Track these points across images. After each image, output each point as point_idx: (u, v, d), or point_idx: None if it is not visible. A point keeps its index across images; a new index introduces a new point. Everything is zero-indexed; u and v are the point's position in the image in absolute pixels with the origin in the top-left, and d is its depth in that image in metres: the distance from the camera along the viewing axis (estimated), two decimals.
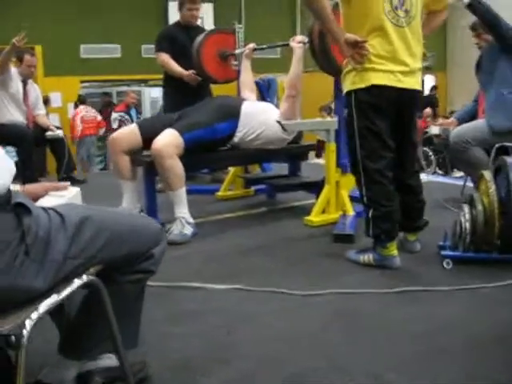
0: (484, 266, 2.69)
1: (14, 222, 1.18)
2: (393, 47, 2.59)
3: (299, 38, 3.70)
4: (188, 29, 4.74)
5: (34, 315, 1.08)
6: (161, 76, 5.14)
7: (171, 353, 1.88)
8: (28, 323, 1.06)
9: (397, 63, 2.61)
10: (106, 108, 9.58)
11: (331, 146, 3.58)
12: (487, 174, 2.72)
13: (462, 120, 4.50)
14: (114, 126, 7.61)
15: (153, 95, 13.71)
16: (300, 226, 3.60)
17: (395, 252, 2.75)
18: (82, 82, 10.24)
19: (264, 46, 4.44)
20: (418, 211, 2.98)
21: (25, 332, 1.05)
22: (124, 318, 1.47)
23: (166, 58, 4.71)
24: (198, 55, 4.42)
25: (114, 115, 7.65)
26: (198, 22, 5.00)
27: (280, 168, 4.61)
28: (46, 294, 1.16)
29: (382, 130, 2.68)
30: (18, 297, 1.16)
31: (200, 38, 4.43)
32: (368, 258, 2.80)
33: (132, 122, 7.75)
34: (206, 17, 10.81)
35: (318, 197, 3.76)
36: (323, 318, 2.19)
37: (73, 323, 1.48)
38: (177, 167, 3.23)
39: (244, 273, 2.73)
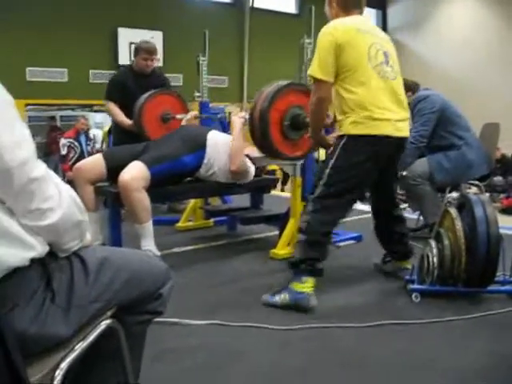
0: (450, 298, 2.80)
1: (39, 269, 1.15)
2: (384, 98, 2.69)
3: (242, 113, 3.77)
4: (140, 76, 4.67)
5: (64, 365, 1.05)
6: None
7: None
8: (59, 373, 1.03)
9: (392, 112, 2.70)
10: (51, 132, 9.33)
11: (297, 180, 3.65)
12: (453, 211, 2.85)
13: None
14: (63, 152, 7.40)
15: (97, 120, 13.54)
16: (265, 259, 3.63)
17: (311, 289, 2.68)
18: (27, 105, 9.98)
19: (204, 116, 4.51)
20: (407, 238, 3.16)
21: (55, 383, 1.01)
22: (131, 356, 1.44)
23: (111, 106, 4.71)
24: (139, 113, 4.34)
25: (63, 141, 7.45)
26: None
27: (240, 199, 4.64)
28: (69, 340, 1.13)
29: (359, 180, 2.75)
30: (43, 344, 1.12)
31: (144, 97, 4.36)
32: (284, 297, 2.71)
33: (81, 148, 7.58)
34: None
35: (281, 229, 3.81)
36: (308, 355, 2.21)
37: (82, 364, 1.43)
38: (144, 200, 3.20)
39: (219, 307, 2.71)
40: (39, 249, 1.13)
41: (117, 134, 4.97)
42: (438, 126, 3.92)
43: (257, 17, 12.63)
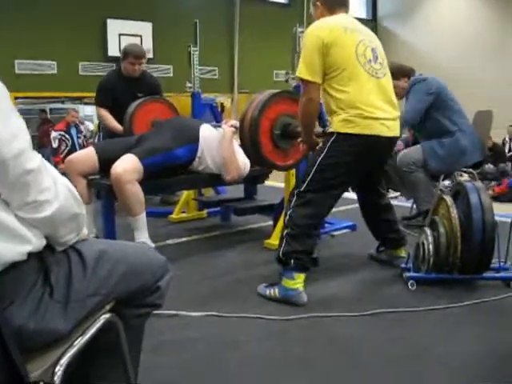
0: (446, 286, 2.81)
1: (36, 263, 1.13)
2: (374, 96, 2.66)
3: (232, 122, 3.72)
4: (128, 80, 4.61)
5: (64, 360, 1.03)
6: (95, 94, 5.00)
7: None
8: (59, 369, 1.01)
9: (382, 111, 2.68)
10: (42, 125, 9.26)
11: (291, 171, 3.64)
12: (448, 199, 2.85)
13: (406, 144, 4.71)
14: (54, 145, 7.35)
15: (87, 113, 13.47)
16: (260, 249, 3.62)
17: (301, 286, 2.66)
18: (16, 98, 9.89)
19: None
20: (397, 225, 3.16)
21: (56, 379, 1.00)
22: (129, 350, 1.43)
23: (102, 112, 4.68)
24: (130, 121, 4.29)
25: (54, 134, 7.39)
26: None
27: (233, 189, 4.63)
28: (68, 335, 1.11)
29: (343, 180, 2.74)
30: (42, 340, 1.10)
31: (135, 104, 4.32)
32: (274, 292, 2.72)
33: (72, 141, 7.53)
34: (144, 36, 10.76)
35: (275, 219, 3.80)
36: (305, 344, 2.21)
37: (81, 358, 1.42)
38: (137, 192, 3.17)
39: (215, 299, 2.71)
40: (36, 242, 1.11)
41: (107, 133, 4.92)
42: (433, 110, 3.91)
43: (247, 7, 12.57)
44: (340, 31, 2.65)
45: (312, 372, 1.97)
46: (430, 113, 3.92)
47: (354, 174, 2.79)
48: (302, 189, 2.72)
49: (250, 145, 3.25)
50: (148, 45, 10.44)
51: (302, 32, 3.69)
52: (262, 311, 2.50)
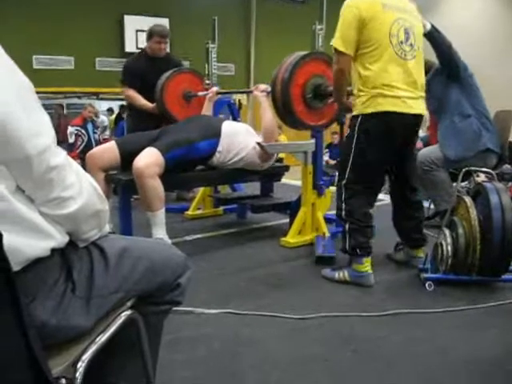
0: (464, 287, 2.78)
1: (59, 259, 1.13)
2: (397, 77, 2.71)
3: (262, 86, 3.73)
4: (155, 60, 4.70)
5: (85, 356, 1.04)
6: (112, 90, 5.09)
7: (180, 382, 1.83)
8: (81, 365, 1.01)
9: (403, 90, 2.73)
10: (59, 120, 9.32)
11: (308, 168, 3.63)
12: (467, 199, 2.82)
13: (426, 142, 4.66)
14: (71, 140, 7.39)
15: (103, 108, 13.52)
16: (276, 247, 3.62)
17: (370, 269, 2.85)
18: None
19: (227, 91, 4.49)
20: (422, 226, 3.15)
21: (77, 375, 1.00)
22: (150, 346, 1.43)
23: (131, 92, 4.74)
24: (161, 94, 4.40)
25: (71, 129, 7.43)
26: None
27: (249, 187, 4.62)
28: (90, 331, 1.12)
29: (380, 158, 2.81)
30: (63, 336, 1.11)
31: (165, 76, 4.40)
32: (343, 274, 2.89)
33: (88, 136, 7.57)
34: None
35: (291, 217, 3.79)
36: (321, 343, 2.20)
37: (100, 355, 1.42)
38: (158, 188, 3.18)
39: (231, 296, 2.70)
40: (59, 238, 1.11)
41: (133, 119, 4.96)
42: (459, 89, 3.86)
43: (263, 3, 12.54)
44: (379, 7, 2.69)
45: (328, 372, 1.96)
46: (454, 90, 3.87)
47: (384, 154, 2.83)
48: (346, 179, 2.83)
49: (283, 107, 3.31)
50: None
51: (321, 29, 3.68)
52: (278, 309, 2.49)
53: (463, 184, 5.11)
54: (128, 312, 1.20)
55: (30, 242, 1.05)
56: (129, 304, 1.24)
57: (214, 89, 4.35)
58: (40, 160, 1.02)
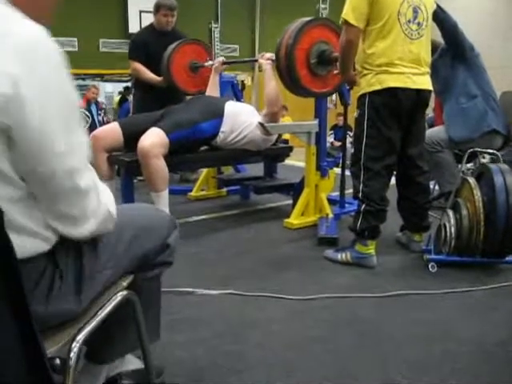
0: (467, 269, 2.77)
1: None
2: (402, 56, 2.70)
3: (268, 54, 3.70)
4: (162, 34, 4.65)
5: (80, 336, 1.03)
6: (116, 71, 5.03)
7: (180, 363, 1.84)
8: (75, 345, 1.01)
9: (408, 67, 2.73)
10: None
11: (312, 149, 3.60)
12: (472, 181, 2.79)
13: (430, 124, 4.61)
14: None
15: (107, 90, 13.47)
16: (280, 228, 3.61)
17: (373, 251, 2.85)
18: None
19: (233, 60, 4.44)
20: (426, 211, 3.11)
21: (72, 355, 0.99)
22: (145, 314, 1.43)
23: (138, 66, 4.68)
24: (167, 65, 4.37)
25: None
26: None
27: (253, 168, 4.60)
28: (83, 313, 1.11)
29: (392, 134, 2.79)
30: (56, 321, 1.09)
31: (171, 48, 4.37)
32: (346, 256, 2.89)
33: (92, 118, 7.55)
34: None
35: (295, 199, 3.77)
36: (325, 323, 2.19)
37: (99, 329, 1.42)
38: (162, 168, 3.17)
39: (233, 277, 2.70)
40: (53, 240, 1.09)
41: (138, 101, 4.92)
42: (465, 69, 3.82)
43: None
44: None
45: (332, 353, 1.95)
46: (460, 70, 3.83)
47: (395, 129, 2.81)
48: (363, 158, 2.82)
49: (286, 72, 3.30)
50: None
51: (325, 9, 3.63)
52: (281, 290, 2.48)
53: (469, 165, 5.07)
54: (124, 292, 1.19)
55: (25, 244, 1.03)
56: (124, 284, 1.23)
57: (220, 59, 4.35)
58: (66, 179, 1.01)
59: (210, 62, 4.36)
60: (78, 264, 1.16)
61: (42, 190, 1.02)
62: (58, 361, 1.01)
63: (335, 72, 3.21)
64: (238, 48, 12.23)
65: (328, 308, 2.34)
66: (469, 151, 3.60)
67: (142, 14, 10.23)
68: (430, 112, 5.64)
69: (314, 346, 2.00)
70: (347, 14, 2.68)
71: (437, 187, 4.20)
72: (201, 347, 1.97)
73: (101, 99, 9.97)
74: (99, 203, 1.11)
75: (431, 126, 4.50)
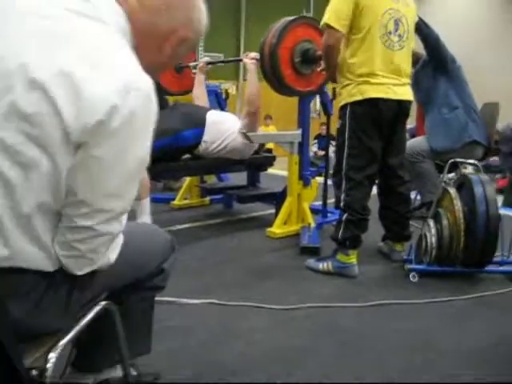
0: (448, 278, 2.79)
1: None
2: (382, 67, 2.74)
3: (252, 54, 3.72)
4: None
5: (58, 347, 1.02)
6: None
7: (163, 372, 1.82)
8: (52, 356, 0.99)
9: (388, 78, 2.76)
10: None
11: (294, 158, 3.61)
12: (452, 191, 2.82)
13: (412, 134, 4.66)
14: None
15: None
16: (262, 237, 3.61)
17: (355, 261, 2.86)
18: None
19: (217, 60, 4.44)
20: (407, 221, 3.13)
21: (49, 366, 0.98)
22: (135, 331, 1.43)
23: None
24: None
25: None
26: None
27: (236, 177, 4.60)
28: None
29: (373, 144, 2.81)
30: (37, 333, 1.08)
31: None
32: (327, 265, 2.89)
33: None
34: None
35: (277, 208, 3.78)
36: (307, 333, 2.20)
37: (86, 339, 1.40)
38: (143, 176, 3.15)
39: (215, 286, 2.69)
40: (57, 266, 1.08)
41: None
42: (446, 80, 3.87)
43: None
44: None
45: (315, 363, 1.96)
46: (442, 82, 3.88)
47: (376, 139, 2.83)
48: (345, 168, 2.84)
49: (271, 71, 3.32)
50: None
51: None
52: (263, 300, 2.48)
53: (450, 176, 5.12)
54: (102, 303, 1.18)
55: (34, 255, 1.02)
56: (103, 295, 1.22)
57: (205, 59, 4.37)
58: (102, 214, 1.02)
59: (195, 63, 4.36)
60: (72, 285, 1.13)
61: (73, 212, 1.01)
62: (34, 372, 1.00)
63: (319, 69, 3.23)
64: (222, 56, 12.25)
65: (310, 317, 2.34)
66: (450, 161, 3.66)
67: None
68: (411, 122, 5.70)
69: (295, 356, 2.00)
70: (329, 18, 2.70)
71: (418, 197, 4.23)
72: (184, 356, 1.96)
73: None
74: (105, 255, 1.12)
75: (413, 136, 4.55)
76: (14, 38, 0.97)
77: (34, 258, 1.02)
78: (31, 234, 1.00)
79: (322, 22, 2.74)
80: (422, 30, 3.47)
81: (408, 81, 2.88)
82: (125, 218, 1.10)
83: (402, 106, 2.83)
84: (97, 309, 1.15)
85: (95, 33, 1.01)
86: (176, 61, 1.28)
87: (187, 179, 4.58)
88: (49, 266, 1.05)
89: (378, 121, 2.79)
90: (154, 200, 4.33)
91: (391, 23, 2.75)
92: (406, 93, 2.85)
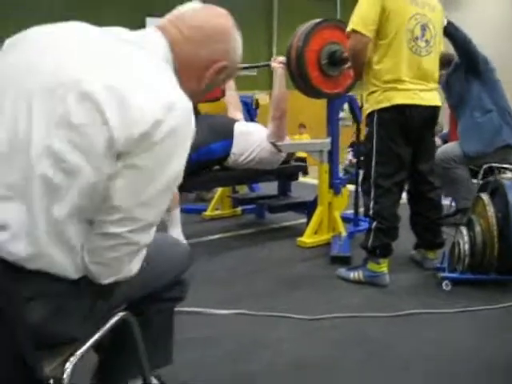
0: (481, 286, 2.72)
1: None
2: (409, 73, 2.71)
3: (280, 58, 3.70)
4: None
5: (74, 358, 1.04)
6: None
7: (189, 382, 1.83)
8: (68, 366, 1.02)
9: (415, 84, 2.73)
10: None
11: (324, 167, 3.60)
12: (485, 197, 2.76)
13: (444, 139, 4.58)
14: None
15: None
16: (293, 247, 3.60)
17: (386, 269, 2.81)
18: None
19: (245, 66, 4.45)
20: (439, 228, 3.07)
21: (65, 376, 1.00)
22: (156, 343, 1.44)
23: None
24: None
25: None
26: None
27: (267, 186, 4.60)
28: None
29: (401, 150, 2.79)
30: (55, 340, 1.10)
31: None
32: (358, 274, 2.86)
33: None
34: None
35: (309, 217, 3.76)
36: (335, 344, 2.17)
37: (107, 352, 1.42)
38: None
39: (244, 297, 2.69)
40: (81, 273, 1.10)
41: None
42: (480, 84, 3.79)
43: (285, 1, 12.50)
44: (401, 0, 2.69)
45: (341, 373, 1.94)
46: (474, 85, 3.80)
47: (404, 146, 2.80)
48: (373, 176, 2.80)
49: (298, 75, 3.33)
50: None
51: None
52: (292, 310, 2.47)
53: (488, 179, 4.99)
54: (120, 313, 1.20)
55: (61, 262, 1.05)
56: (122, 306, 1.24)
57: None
58: (133, 223, 1.06)
59: None
60: (94, 294, 1.15)
61: (106, 218, 1.05)
62: (51, 381, 1.02)
63: (347, 66, 3.22)
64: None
65: (337, 328, 2.32)
66: (484, 166, 3.58)
67: None
68: (444, 128, 5.60)
69: (322, 366, 1.98)
70: (356, 23, 2.67)
71: (454, 203, 4.15)
72: (209, 367, 1.96)
73: None
74: (129, 265, 1.13)
75: (445, 141, 4.47)
76: (71, 60, 1.06)
77: (60, 262, 1.05)
78: (61, 238, 1.03)
79: (348, 28, 2.73)
80: (451, 32, 3.41)
81: (436, 86, 2.85)
82: (153, 230, 1.13)
83: (429, 112, 2.79)
84: (115, 319, 1.17)
85: (141, 58, 1.11)
86: (212, 89, 1.35)
87: (219, 190, 4.60)
88: (73, 273, 1.08)
89: (405, 127, 2.76)
90: (185, 211, 4.40)
91: (418, 28, 2.73)
92: (433, 98, 2.81)
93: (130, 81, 1.04)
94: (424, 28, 2.75)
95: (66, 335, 1.10)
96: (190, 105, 1.09)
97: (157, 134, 1.01)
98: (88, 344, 1.08)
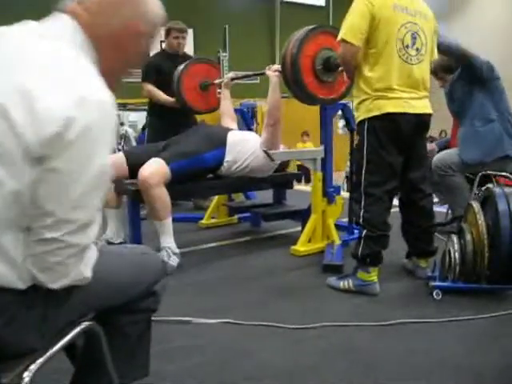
0: (473, 295, 2.70)
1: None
2: (399, 81, 2.71)
3: (275, 66, 3.71)
4: (173, 57, 4.76)
5: (33, 367, 1.03)
6: (139, 100, 5.14)
7: None
8: (27, 375, 1.01)
9: (406, 92, 2.73)
10: None
11: (318, 175, 3.58)
12: (475, 205, 2.74)
13: (441, 147, 4.55)
14: None
15: (131, 119, 13.70)
16: (287, 255, 3.58)
17: (375, 278, 2.79)
18: None
19: (241, 75, 4.47)
20: (431, 235, 3.05)
21: None
22: (133, 354, 1.42)
23: (151, 88, 4.80)
24: (178, 86, 4.47)
25: None
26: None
27: (263, 194, 4.60)
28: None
29: (392, 159, 2.78)
30: (13, 350, 1.10)
31: (180, 68, 4.46)
32: (348, 283, 2.84)
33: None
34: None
35: (303, 225, 3.75)
36: (321, 353, 2.15)
37: (79, 362, 1.41)
38: (164, 196, 3.19)
39: (233, 305, 2.68)
40: (29, 283, 1.09)
41: (154, 124, 5.04)
42: (483, 92, 3.75)
43: (287, 10, 12.59)
44: (390, 9, 2.69)
45: (322, 381, 1.92)
46: (477, 92, 3.76)
47: (395, 154, 2.79)
48: (364, 184, 2.80)
49: (293, 81, 3.32)
50: (189, 51, 10.56)
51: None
52: (280, 319, 2.45)
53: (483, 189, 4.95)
54: (86, 323, 1.19)
55: (5, 274, 1.04)
56: (89, 315, 1.23)
57: (230, 74, 4.38)
58: (68, 225, 1.05)
59: (220, 80, 4.43)
60: (46, 303, 1.13)
61: (39, 224, 1.03)
62: None
63: (341, 69, 3.19)
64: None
65: (324, 337, 2.30)
66: (480, 174, 3.55)
67: (163, 43, 10.44)
68: (448, 134, 5.55)
69: (304, 375, 1.97)
70: (345, 33, 2.68)
71: (450, 211, 4.12)
72: (190, 378, 1.95)
73: (124, 128, 10.14)
74: (77, 268, 1.11)
75: (443, 148, 4.44)
76: None
77: (4, 274, 1.04)
78: (2, 252, 1.02)
79: (338, 37, 2.73)
80: (442, 46, 3.36)
81: (427, 94, 2.84)
82: (93, 230, 1.10)
83: (420, 120, 2.78)
84: (78, 329, 1.16)
85: (51, 53, 1.06)
86: (140, 57, 1.31)
87: (215, 198, 4.60)
88: (20, 284, 1.06)
89: (396, 135, 2.75)
90: (182, 219, 4.40)
91: (408, 37, 2.72)
92: (424, 106, 2.80)
93: (38, 79, 1.00)
94: (414, 36, 2.74)
95: (22, 345, 1.09)
96: (106, 96, 1.05)
97: (70, 133, 0.99)
98: (48, 354, 1.07)
